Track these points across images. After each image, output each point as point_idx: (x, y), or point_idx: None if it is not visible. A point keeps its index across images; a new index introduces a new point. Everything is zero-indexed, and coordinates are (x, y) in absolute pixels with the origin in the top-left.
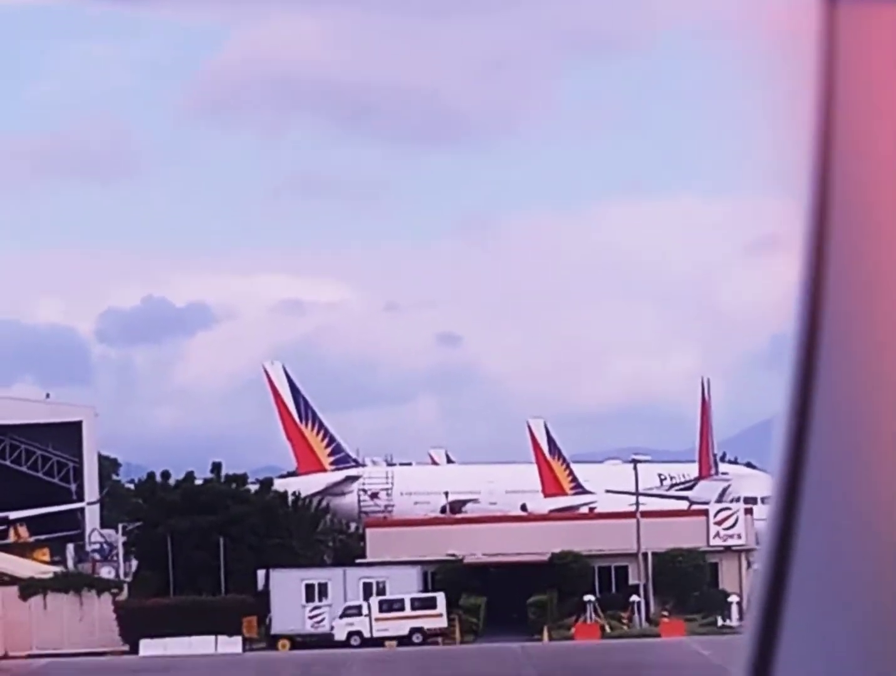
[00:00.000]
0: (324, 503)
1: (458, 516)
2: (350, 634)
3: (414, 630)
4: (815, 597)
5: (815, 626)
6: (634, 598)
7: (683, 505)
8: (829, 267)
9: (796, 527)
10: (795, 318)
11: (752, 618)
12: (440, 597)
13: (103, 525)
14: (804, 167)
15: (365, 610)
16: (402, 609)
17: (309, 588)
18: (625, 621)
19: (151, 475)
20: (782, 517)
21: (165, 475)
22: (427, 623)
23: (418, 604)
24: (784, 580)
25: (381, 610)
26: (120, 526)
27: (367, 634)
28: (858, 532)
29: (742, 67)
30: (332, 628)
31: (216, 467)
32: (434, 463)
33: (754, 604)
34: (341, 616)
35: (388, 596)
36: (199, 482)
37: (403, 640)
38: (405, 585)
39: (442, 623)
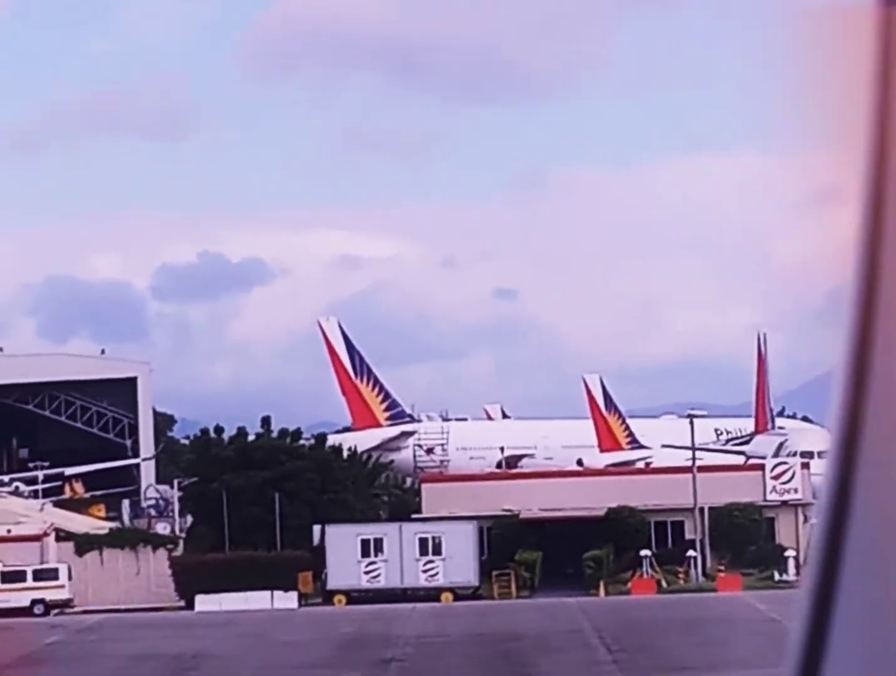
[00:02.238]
0: (383, 458)
1: (514, 471)
2: None
3: (35, 602)
4: (874, 553)
5: (874, 582)
6: (691, 553)
7: (740, 459)
8: (886, 220)
9: (854, 483)
10: (853, 272)
11: (810, 574)
12: (63, 568)
13: (158, 480)
14: (862, 119)
15: None
16: (23, 580)
17: (364, 543)
18: (681, 576)
19: (205, 430)
20: (840, 472)
21: (219, 430)
22: (49, 595)
23: (40, 575)
24: (842, 535)
25: (3, 581)
26: (175, 481)
27: None
28: None
29: (800, 20)
30: None
31: (265, 421)
32: (490, 418)
33: (812, 560)
34: None
35: (9, 568)
36: (251, 437)
37: (26, 611)
38: (461, 540)
39: (65, 594)
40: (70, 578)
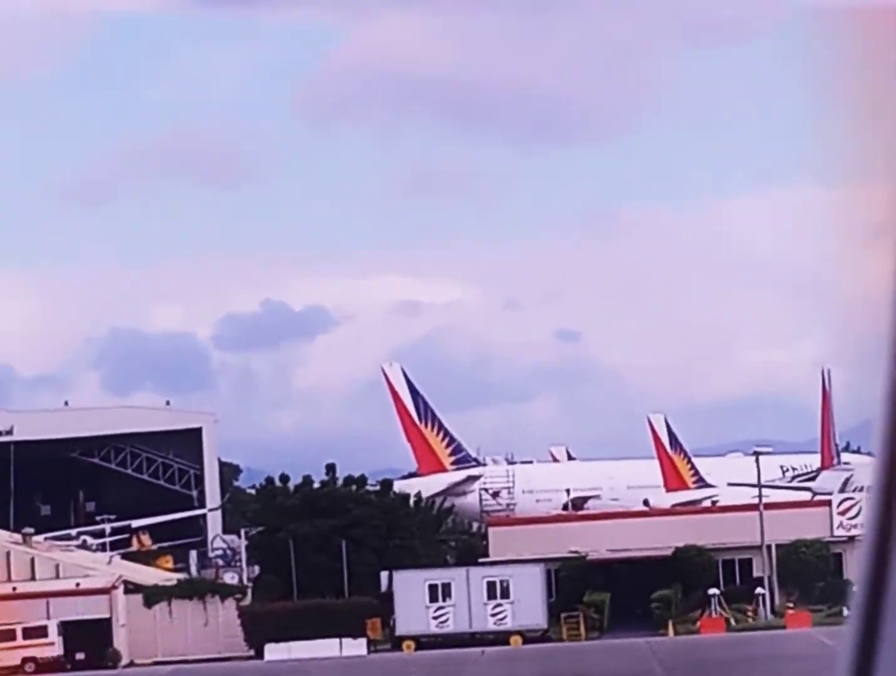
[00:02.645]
0: (446, 503)
1: (581, 513)
2: None
3: (26, 660)
4: None
5: None
6: (759, 590)
7: (806, 496)
8: None
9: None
10: (891, 312)
11: (855, 610)
12: (52, 625)
13: (225, 531)
14: None
15: None
16: (13, 638)
17: (432, 588)
18: (750, 614)
19: (270, 479)
20: (881, 511)
21: (284, 479)
22: (39, 652)
23: (30, 634)
24: (884, 574)
25: None
26: (242, 531)
27: None
28: None
29: (861, 52)
30: None
31: (331, 468)
32: (555, 460)
33: (856, 597)
34: None
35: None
36: (317, 485)
37: (17, 670)
38: (529, 583)
39: (55, 651)
40: (60, 635)
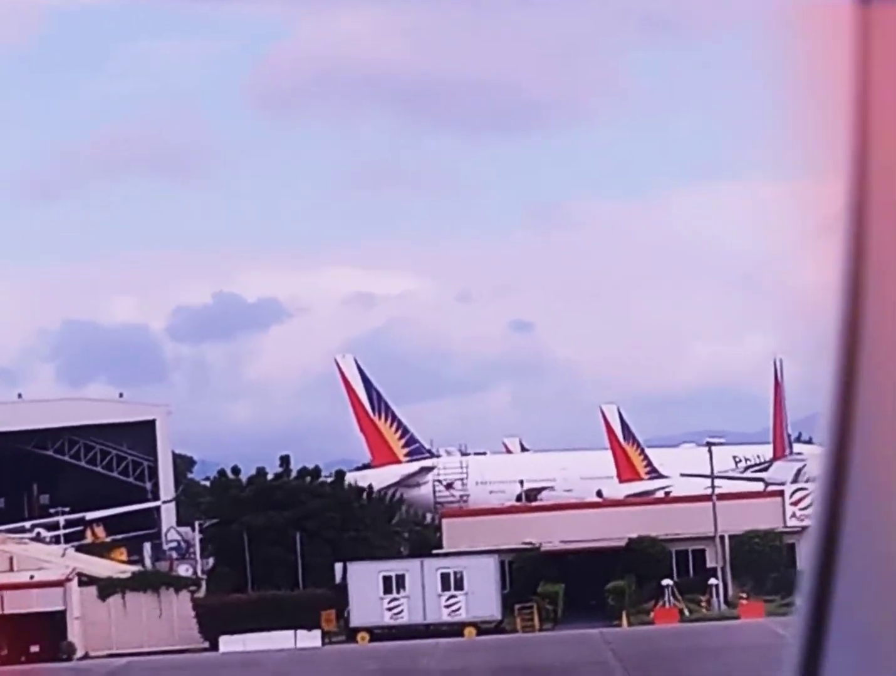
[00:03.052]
0: (398, 494)
1: (534, 504)
2: None
3: None
4: (863, 582)
5: (862, 608)
6: (712, 581)
7: (759, 486)
8: (869, 257)
9: (843, 511)
10: (838, 304)
11: (803, 600)
12: None
13: (180, 523)
14: (843, 156)
15: None
16: None
17: (387, 580)
18: (703, 604)
19: (223, 472)
20: (829, 500)
21: (236, 471)
22: None
23: None
24: (832, 564)
25: None
26: (196, 523)
27: None
28: None
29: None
30: None
31: (284, 460)
32: (508, 451)
33: (804, 587)
34: None
35: None
36: (271, 477)
37: None
38: (483, 574)
39: None
40: None
